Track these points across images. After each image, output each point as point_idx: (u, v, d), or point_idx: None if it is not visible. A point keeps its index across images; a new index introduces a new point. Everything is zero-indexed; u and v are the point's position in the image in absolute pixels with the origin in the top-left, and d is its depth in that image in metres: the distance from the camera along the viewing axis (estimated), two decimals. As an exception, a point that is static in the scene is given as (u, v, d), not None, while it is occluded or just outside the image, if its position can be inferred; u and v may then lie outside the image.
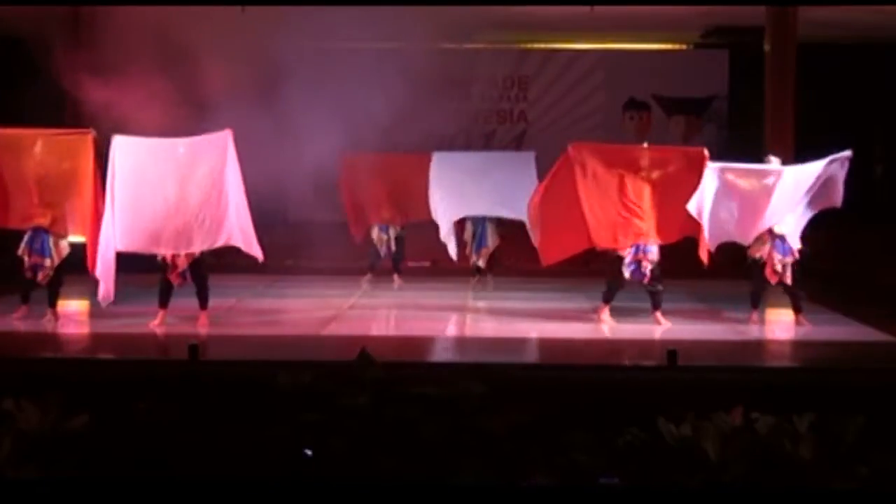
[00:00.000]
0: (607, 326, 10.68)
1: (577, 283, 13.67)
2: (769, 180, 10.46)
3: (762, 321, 10.90)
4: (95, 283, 10.13)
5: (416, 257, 15.45)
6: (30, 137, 10.51)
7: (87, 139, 10.37)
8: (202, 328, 10.30)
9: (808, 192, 10.54)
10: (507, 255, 13.99)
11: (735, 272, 11.04)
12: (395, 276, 13.91)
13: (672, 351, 8.22)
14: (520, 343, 10.09)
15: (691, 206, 10.39)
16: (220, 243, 10.29)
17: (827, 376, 8.35)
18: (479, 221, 13.52)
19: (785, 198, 10.46)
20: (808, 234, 10.74)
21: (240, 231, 10.30)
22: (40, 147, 10.44)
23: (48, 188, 10.42)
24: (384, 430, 4.95)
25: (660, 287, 10.67)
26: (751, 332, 10.59)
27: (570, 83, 17.82)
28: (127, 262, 10.30)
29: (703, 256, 10.52)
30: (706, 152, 10.63)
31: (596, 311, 11.00)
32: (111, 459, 5.04)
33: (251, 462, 4.92)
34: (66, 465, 5.03)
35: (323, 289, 13.34)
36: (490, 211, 13.42)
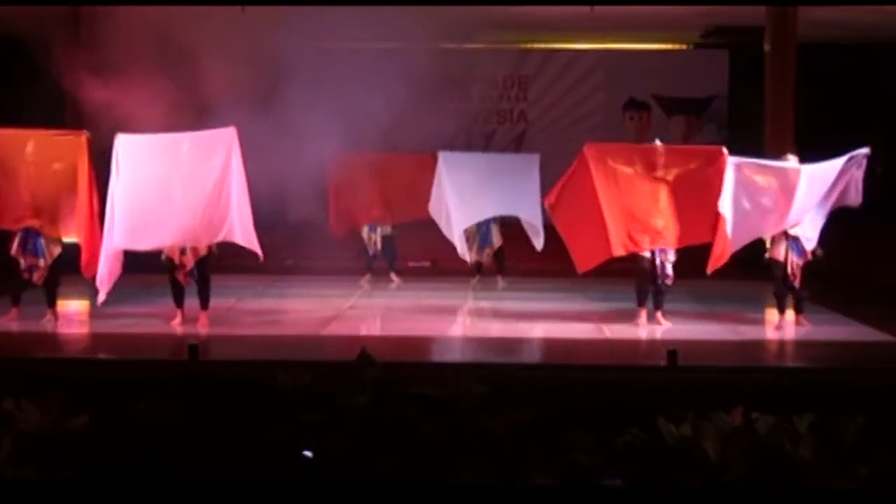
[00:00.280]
0: (610, 327, 10.68)
1: (577, 283, 13.67)
2: (791, 178, 10.28)
3: (783, 323, 10.69)
4: (92, 283, 10.11)
5: (416, 257, 15.46)
6: (22, 138, 10.43)
7: (81, 140, 10.32)
8: (202, 328, 10.30)
9: (827, 191, 10.42)
10: (507, 255, 13.98)
11: (735, 272, 11.02)
12: (393, 276, 13.91)
13: (672, 351, 8.23)
14: (520, 343, 10.09)
15: (723, 209, 10.24)
16: (220, 238, 10.28)
17: (827, 376, 8.37)
18: (484, 221, 13.53)
19: (807, 196, 10.31)
20: (824, 236, 10.60)
21: (241, 227, 10.30)
22: (32, 147, 10.35)
23: (41, 189, 10.35)
24: (384, 430, 4.95)
25: (668, 287, 10.61)
26: (751, 332, 10.59)
27: (570, 83, 17.82)
28: (127, 262, 10.28)
29: (712, 263, 10.39)
30: (725, 151, 10.48)
31: (635, 317, 10.76)
32: (111, 459, 5.04)
33: (251, 462, 4.92)
34: (66, 465, 5.03)
35: (323, 289, 13.33)
36: (496, 211, 13.43)
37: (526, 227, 13.29)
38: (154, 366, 8.48)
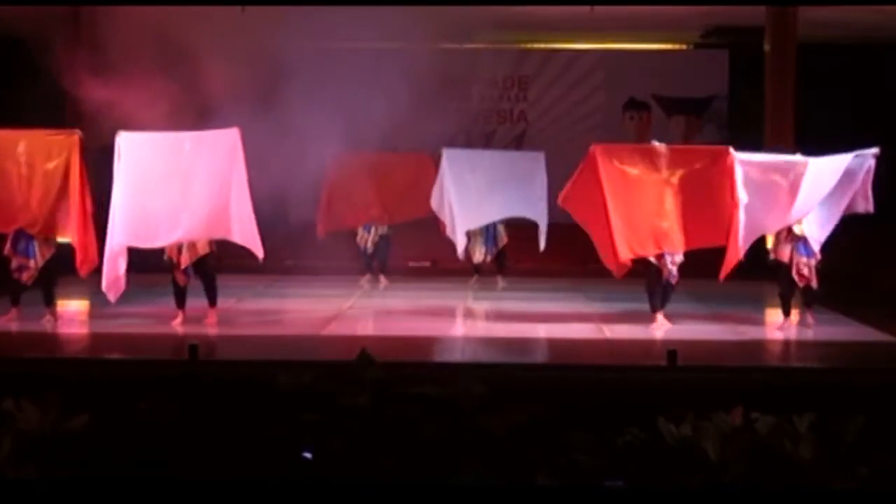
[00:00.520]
0: (610, 327, 10.69)
1: (577, 283, 13.70)
2: (795, 173, 10.20)
3: (785, 324, 10.63)
4: (87, 282, 10.09)
5: (416, 257, 15.46)
6: (13, 138, 10.37)
7: (74, 139, 10.29)
8: (211, 327, 10.31)
9: (834, 188, 10.29)
10: (507, 255, 13.99)
11: (735, 272, 11.00)
12: (381, 277, 13.90)
13: (672, 351, 8.23)
14: (520, 343, 10.09)
15: (738, 209, 10.14)
16: (218, 236, 10.28)
17: (827, 376, 8.36)
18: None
19: (811, 191, 10.20)
20: (830, 239, 10.52)
21: (241, 227, 10.30)
22: (24, 148, 10.30)
23: (33, 189, 10.28)
24: (384, 430, 4.95)
25: (673, 287, 10.58)
26: (751, 332, 10.58)
27: (570, 83, 17.81)
28: (128, 262, 10.27)
29: (726, 268, 10.29)
30: (731, 150, 10.41)
31: (651, 323, 10.65)
32: (111, 459, 5.04)
33: (251, 462, 4.92)
34: (66, 465, 5.03)
35: (323, 289, 13.34)
36: (503, 214, 13.44)
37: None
38: (154, 366, 8.49)
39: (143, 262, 10.35)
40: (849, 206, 10.49)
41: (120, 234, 9.90)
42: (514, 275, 13.91)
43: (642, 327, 10.54)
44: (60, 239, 10.49)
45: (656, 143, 10.68)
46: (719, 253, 10.51)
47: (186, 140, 10.24)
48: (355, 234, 13.97)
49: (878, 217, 10.51)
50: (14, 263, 10.36)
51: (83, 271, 10.27)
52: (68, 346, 10.03)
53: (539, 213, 13.36)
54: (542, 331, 10.70)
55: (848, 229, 10.82)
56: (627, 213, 10.41)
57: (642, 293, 10.82)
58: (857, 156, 10.32)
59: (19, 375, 7.53)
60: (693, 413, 5.28)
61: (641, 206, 10.43)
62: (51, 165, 10.32)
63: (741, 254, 10.33)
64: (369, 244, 13.86)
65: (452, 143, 14.25)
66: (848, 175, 10.33)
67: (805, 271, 10.36)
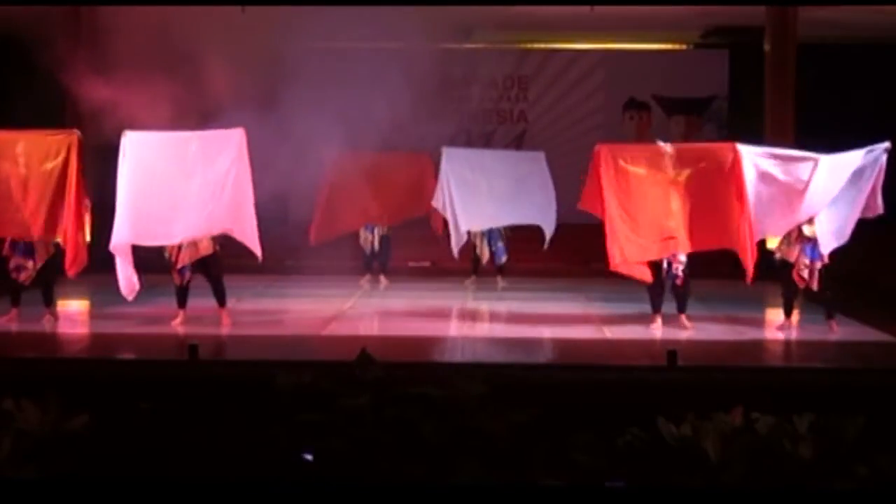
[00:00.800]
0: (610, 328, 10.69)
1: (577, 283, 13.69)
2: (806, 169, 10.06)
3: (785, 325, 10.56)
4: (87, 282, 10.05)
5: (416, 257, 15.46)
6: (11, 139, 10.32)
7: (73, 138, 10.25)
8: (225, 327, 10.32)
9: (846, 186, 10.12)
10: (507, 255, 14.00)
11: (735, 272, 11.00)
12: (381, 277, 13.89)
13: (672, 351, 8.23)
14: (520, 343, 10.08)
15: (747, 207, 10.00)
16: (217, 231, 10.27)
17: (827, 376, 8.35)
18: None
19: (822, 188, 10.06)
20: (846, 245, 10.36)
21: (242, 226, 10.30)
22: (22, 149, 10.25)
23: (30, 191, 10.23)
24: (384, 431, 4.95)
25: (689, 289, 10.52)
26: (750, 332, 10.57)
27: (570, 83, 17.82)
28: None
29: (749, 269, 10.09)
30: (738, 146, 10.27)
31: (650, 324, 10.62)
32: (111, 459, 5.04)
33: (251, 462, 4.92)
34: (66, 465, 5.03)
35: (323, 289, 13.33)
36: (512, 220, 13.45)
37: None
38: (154, 366, 8.48)
39: (144, 262, 10.34)
40: (864, 211, 10.25)
41: (125, 233, 9.89)
42: (514, 275, 13.90)
43: (643, 328, 10.53)
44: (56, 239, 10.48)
45: (661, 143, 10.60)
46: (719, 253, 10.52)
47: (192, 140, 10.23)
48: (357, 237, 13.96)
49: (879, 217, 10.46)
50: (12, 263, 10.34)
51: (72, 272, 10.19)
52: (68, 346, 10.02)
53: (549, 221, 13.36)
54: (542, 331, 10.69)
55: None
56: (632, 213, 10.33)
57: (642, 293, 10.81)
58: (868, 151, 10.14)
59: (19, 375, 7.54)
60: (693, 413, 5.29)
61: (647, 207, 10.33)
62: (49, 166, 10.25)
63: (755, 253, 10.20)
64: (375, 244, 13.86)
65: (452, 143, 14.24)
66: (860, 172, 10.14)
67: (805, 273, 10.24)
